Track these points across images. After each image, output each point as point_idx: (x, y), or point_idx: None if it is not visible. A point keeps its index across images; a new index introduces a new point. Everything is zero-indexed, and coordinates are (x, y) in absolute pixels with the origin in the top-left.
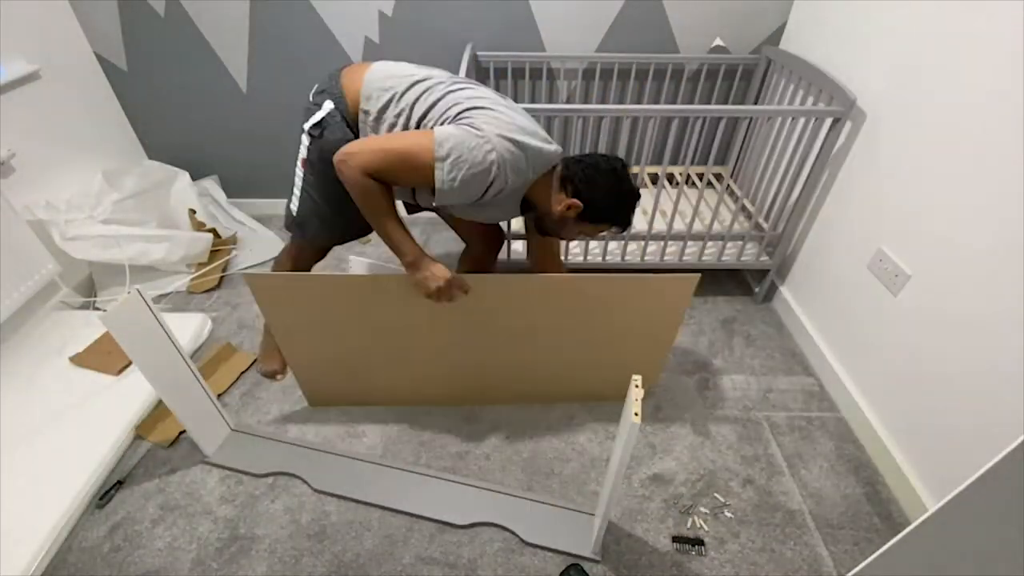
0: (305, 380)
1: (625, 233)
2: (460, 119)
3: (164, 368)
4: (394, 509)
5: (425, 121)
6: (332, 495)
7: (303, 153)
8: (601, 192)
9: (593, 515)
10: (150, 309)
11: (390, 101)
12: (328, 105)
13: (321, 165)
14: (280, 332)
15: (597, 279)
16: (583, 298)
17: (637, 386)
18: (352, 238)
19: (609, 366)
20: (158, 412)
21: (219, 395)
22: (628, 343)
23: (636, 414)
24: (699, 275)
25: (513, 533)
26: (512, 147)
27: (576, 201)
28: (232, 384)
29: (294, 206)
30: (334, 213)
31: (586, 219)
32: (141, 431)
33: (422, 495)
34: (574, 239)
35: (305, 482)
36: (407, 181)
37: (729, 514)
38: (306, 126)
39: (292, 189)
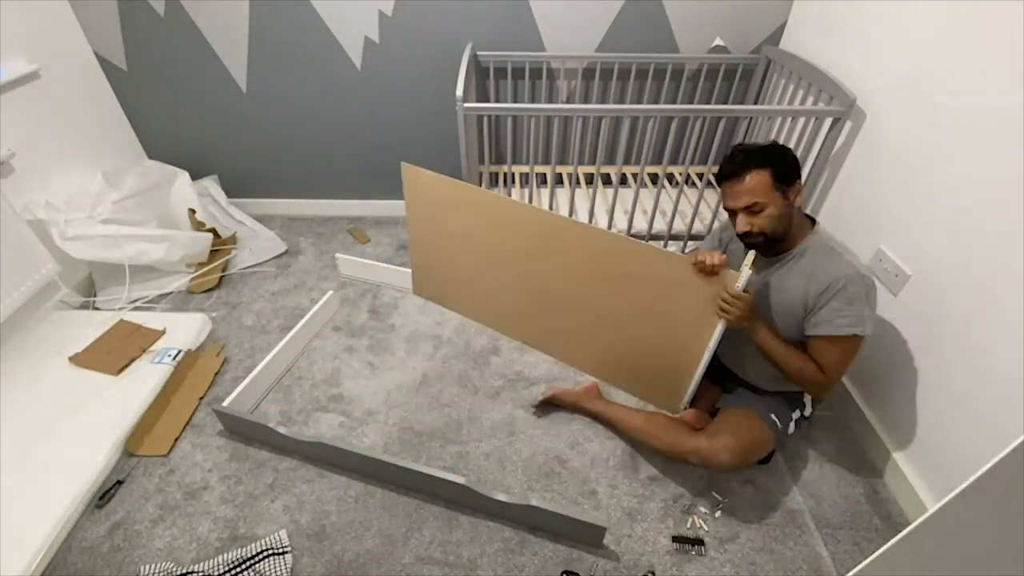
0: (415, 266)
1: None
2: None
3: None
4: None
5: None
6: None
7: None
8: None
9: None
10: None
11: None
12: None
13: None
14: (412, 219)
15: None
16: (645, 270)
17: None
18: None
19: (644, 362)
20: (144, 422)
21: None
22: (665, 340)
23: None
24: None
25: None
26: None
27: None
28: (208, 389)
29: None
30: None
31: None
32: (131, 447)
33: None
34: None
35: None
36: None
37: (729, 514)
38: None
39: None
